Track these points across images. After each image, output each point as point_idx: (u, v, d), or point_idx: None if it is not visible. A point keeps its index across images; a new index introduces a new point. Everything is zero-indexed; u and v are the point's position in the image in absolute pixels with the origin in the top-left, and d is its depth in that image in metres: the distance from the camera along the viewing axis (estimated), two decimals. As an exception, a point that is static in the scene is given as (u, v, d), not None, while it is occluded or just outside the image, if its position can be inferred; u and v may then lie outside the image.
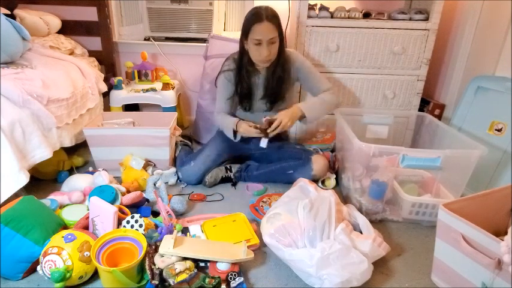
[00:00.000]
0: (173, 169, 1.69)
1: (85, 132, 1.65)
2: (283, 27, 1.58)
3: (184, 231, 1.30)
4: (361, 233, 1.24)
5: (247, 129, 1.61)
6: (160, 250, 1.08)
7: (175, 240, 1.10)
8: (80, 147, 1.83)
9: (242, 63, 1.65)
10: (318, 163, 1.67)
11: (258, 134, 1.59)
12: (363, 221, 1.28)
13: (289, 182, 1.63)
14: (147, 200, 1.43)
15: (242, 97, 1.71)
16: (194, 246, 1.14)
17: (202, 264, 1.14)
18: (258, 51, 1.54)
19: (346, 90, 1.96)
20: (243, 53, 1.63)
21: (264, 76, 1.67)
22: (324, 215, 1.18)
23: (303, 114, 1.61)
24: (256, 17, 1.50)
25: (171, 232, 1.25)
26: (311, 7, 1.89)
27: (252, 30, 1.50)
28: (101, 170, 1.54)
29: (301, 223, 1.16)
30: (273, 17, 1.50)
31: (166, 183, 1.65)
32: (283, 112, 1.59)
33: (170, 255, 1.07)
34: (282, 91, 1.69)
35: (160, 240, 1.14)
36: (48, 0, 2.16)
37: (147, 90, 2.12)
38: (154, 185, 1.49)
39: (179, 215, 1.45)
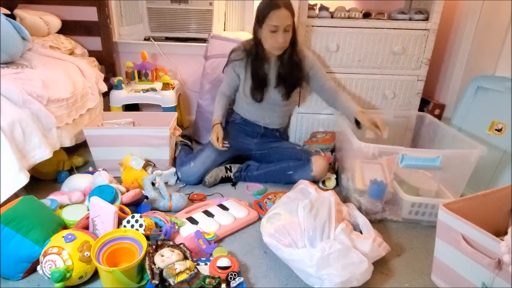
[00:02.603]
0: (173, 169, 1.69)
1: (85, 132, 1.65)
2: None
3: (190, 220, 1.35)
4: (361, 233, 1.25)
5: (213, 138, 1.65)
6: None
7: None
8: (80, 147, 1.83)
9: (256, 52, 1.64)
10: (318, 164, 1.67)
11: (217, 146, 1.63)
12: (363, 221, 1.28)
13: (289, 182, 1.63)
14: (146, 197, 1.44)
15: (255, 87, 1.69)
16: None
17: (202, 264, 1.14)
18: (273, 38, 1.54)
19: (346, 90, 1.95)
20: (256, 42, 1.62)
21: (278, 65, 1.67)
22: (324, 215, 1.18)
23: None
24: (273, 3, 1.50)
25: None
26: (311, 7, 1.89)
27: (269, 17, 1.50)
28: (101, 170, 1.54)
29: (301, 223, 1.16)
30: (289, 5, 1.52)
31: (166, 183, 1.65)
32: (365, 116, 1.58)
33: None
34: (297, 78, 1.70)
35: (165, 239, 1.15)
36: (48, 0, 2.16)
37: (147, 90, 2.12)
38: (153, 184, 1.50)
39: (179, 210, 1.46)
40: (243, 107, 1.80)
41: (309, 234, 1.13)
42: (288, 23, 1.52)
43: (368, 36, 1.84)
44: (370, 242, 1.14)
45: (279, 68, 1.68)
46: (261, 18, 1.53)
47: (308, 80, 1.76)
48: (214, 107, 1.78)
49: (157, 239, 1.15)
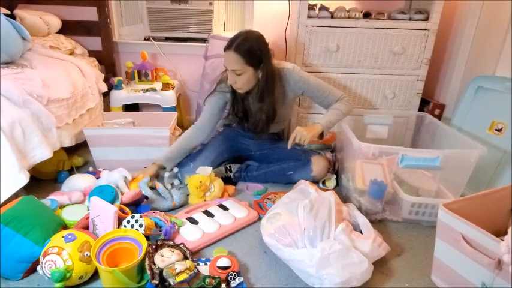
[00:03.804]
0: (176, 169, 1.68)
1: (85, 132, 1.65)
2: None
3: (190, 220, 1.34)
4: (361, 233, 1.24)
5: (145, 171, 1.57)
6: None
7: None
8: (80, 147, 1.83)
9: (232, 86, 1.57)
10: (318, 164, 1.67)
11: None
12: (362, 221, 1.28)
13: (289, 182, 1.63)
14: (146, 197, 1.44)
15: (239, 118, 1.68)
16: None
17: (202, 264, 1.14)
18: (228, 76, 1.50)
19: (346, 90, 1.95)
20: None
21: (255, 101, 1.61)
22: (324, 215, 1.18)
23: (322, 130, 1.56)
24: (228, 43, 1.43)
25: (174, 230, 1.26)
26: (311, 7, 1.89)
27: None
28: (118, 168, 1.53)
29: (301, 223, 1.16)
30: (241, 48, 1.40)
31: (172, 184, 1.62)
32: (301, 127, 1.53)
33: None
34: (271, 120, 1.63)
35: (165, 239, 1.15)
36: (48, 0, 2.16)
37: (147, 90, 2.12)
38: (153, 188, 1.49)
39: (180, 206, 1.48)
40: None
41: (309, 234, 1.13)
42: (235, 67, 1.42)
43: (368, 36, 1.84)
44: (370, 242, 1.14)
45: (256, 105, 1.60)
46: None
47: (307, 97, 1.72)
48: (176, 141, 1.63)
49: (157, 239, 1.15)
